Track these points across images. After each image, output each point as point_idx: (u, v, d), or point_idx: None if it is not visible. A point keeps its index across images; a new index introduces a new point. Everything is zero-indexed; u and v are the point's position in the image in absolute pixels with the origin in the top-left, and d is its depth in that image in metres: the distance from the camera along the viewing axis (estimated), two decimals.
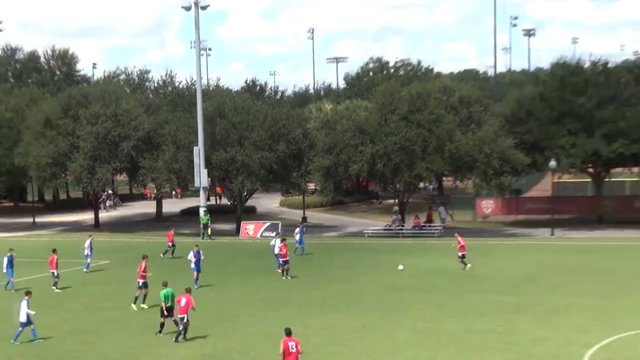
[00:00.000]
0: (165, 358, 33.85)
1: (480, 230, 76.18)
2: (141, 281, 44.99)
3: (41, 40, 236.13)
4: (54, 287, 49.91)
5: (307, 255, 62.33)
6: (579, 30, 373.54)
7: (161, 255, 62.55)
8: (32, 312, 37.18)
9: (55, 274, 50.37)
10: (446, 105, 76.95)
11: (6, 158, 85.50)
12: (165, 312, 37.59)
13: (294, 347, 28.09)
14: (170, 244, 64.07)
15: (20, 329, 37.00)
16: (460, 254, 54.16)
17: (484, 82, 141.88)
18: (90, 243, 57.82)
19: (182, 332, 36.60)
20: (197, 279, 49.82)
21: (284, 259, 52.00)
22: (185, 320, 36.42)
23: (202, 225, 75.74)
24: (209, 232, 74.92)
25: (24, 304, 37.22)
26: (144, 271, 45.20)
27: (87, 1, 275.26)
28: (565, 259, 57.64)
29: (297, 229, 64.55)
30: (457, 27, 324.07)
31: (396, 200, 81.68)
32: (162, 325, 37.72)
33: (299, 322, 38.95)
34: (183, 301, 36.86)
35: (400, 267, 54.33)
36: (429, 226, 75.49)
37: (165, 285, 38.34)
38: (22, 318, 37.00)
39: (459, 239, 54.58)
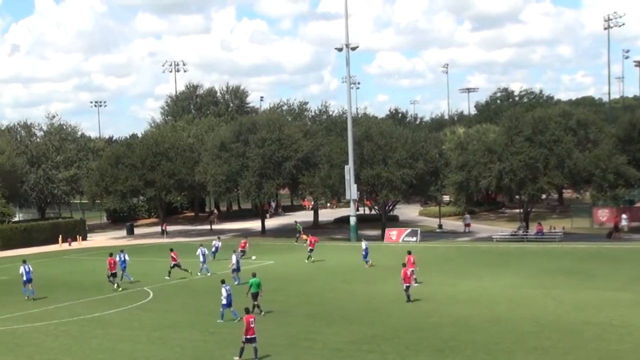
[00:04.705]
0: (320, 343, 33.58)
1: (597, 235, 73.81)
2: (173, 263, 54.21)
3: (218, 78, 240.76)
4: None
5: (435, 257, 61.69)
6: None
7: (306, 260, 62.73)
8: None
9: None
10: (565, 127, 75.08)
11: (188, 176, 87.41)
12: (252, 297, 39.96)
13: (253, 322, 30.88)
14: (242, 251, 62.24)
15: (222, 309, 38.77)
16: (309, 248, 61.76)
17: (599, 107, 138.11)
18: (205, 249, 58.06)
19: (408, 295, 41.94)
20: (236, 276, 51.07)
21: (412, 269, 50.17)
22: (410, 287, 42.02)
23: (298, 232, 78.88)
24: (304, 237, 75.30)
25: (228, 288, 39.00)
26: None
27: (257, 45, 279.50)
28: None
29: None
30: (575, 61, 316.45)
31: (521, 210, 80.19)
32: (254, 306, 38.90)
33: (434, 314, 38.50)
34: (408, 272, 42.35)
35: (254, 257, 62.20)
36: (552, 232, 73.72)
37: (254, 275, 41.01)
38: (224, 301, 38.64)
39: (311, 239, 62.82)
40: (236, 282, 49.02)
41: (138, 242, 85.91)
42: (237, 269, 51.15)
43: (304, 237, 74.73)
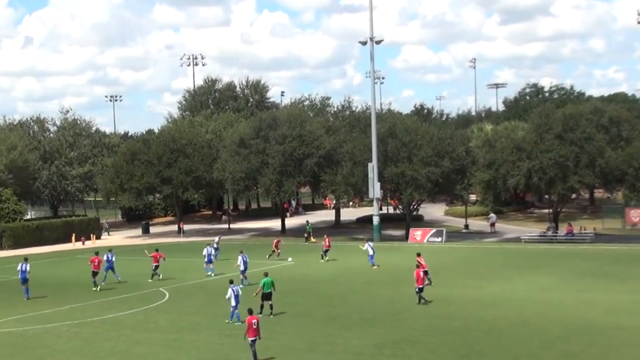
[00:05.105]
0: (341, 347, 33.39)
1: (630, 236, 73.22)
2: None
3: (237, 72, 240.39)
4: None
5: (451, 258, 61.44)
6: None
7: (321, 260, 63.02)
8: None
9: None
10: (597, 124, 74.99)
11: (206, 173, 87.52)
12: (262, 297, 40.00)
13: (256, 323, 30.83)
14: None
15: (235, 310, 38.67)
16: (325, 249, 62.99)
17: (632, 103, 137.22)
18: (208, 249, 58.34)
19: (420, 297, 41.91)
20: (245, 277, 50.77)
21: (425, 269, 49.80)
22: (421, 289, 42.02)
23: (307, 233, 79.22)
24: (312, 239, 76.74)
25: (235, 288, 38.92)
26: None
27: (278, 38, 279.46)
28: None
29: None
30: (607, 55, 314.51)
31: (550, 210, 79.88)
32: (261, 306, 39.56)
33: (459, 317, 38.24)
34: (421, 273, 42.37)
35: (290, 259, 62.90)
36: (582, 233, 73.25)
37: (266, 275, 40.73)
38: (233, 302, 38.49)
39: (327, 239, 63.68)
40: (246, 283, 49.14)
41: (154, 241, 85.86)
42: (244, 270, 50.87)
43: (313, 240, 75.00)
